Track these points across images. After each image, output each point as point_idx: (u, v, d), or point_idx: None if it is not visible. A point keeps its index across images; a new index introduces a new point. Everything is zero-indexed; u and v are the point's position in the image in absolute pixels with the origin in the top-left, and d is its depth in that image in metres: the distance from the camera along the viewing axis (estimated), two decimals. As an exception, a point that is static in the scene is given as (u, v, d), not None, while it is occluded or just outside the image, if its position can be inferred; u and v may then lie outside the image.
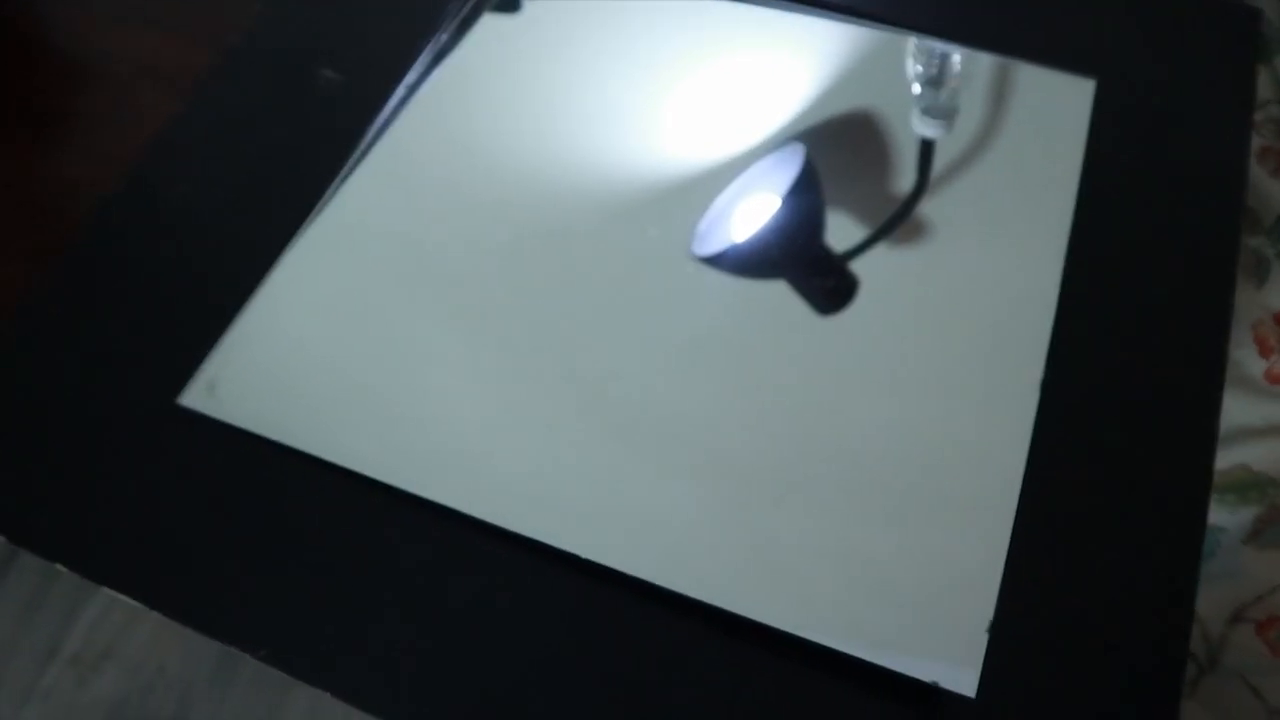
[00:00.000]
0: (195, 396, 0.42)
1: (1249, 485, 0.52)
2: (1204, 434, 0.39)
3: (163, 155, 0.50)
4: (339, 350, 0.43)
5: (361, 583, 0.38)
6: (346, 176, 0.47)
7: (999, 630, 0.35)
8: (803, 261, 0.45)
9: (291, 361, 0.43)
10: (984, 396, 0.40)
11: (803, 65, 0.50)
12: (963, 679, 0.34)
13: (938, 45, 0.50)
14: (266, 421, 0.41)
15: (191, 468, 0.41)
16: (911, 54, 0.49)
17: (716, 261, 0.44)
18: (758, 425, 0.40)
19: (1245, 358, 0.53)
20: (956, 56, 0.49)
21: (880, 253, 0.44)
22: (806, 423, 0.40)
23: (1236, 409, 0.52)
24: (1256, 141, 0.57)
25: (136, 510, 0.40)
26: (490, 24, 0.53)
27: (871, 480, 0.39)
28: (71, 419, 0.42)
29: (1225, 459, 0.52)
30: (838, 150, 0.47)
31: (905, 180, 0.46)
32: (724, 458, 0.39)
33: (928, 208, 0.45)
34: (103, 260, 0.47)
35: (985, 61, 0.49)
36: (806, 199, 0.46)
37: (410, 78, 0.50)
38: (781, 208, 0.46)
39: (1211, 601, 0.54)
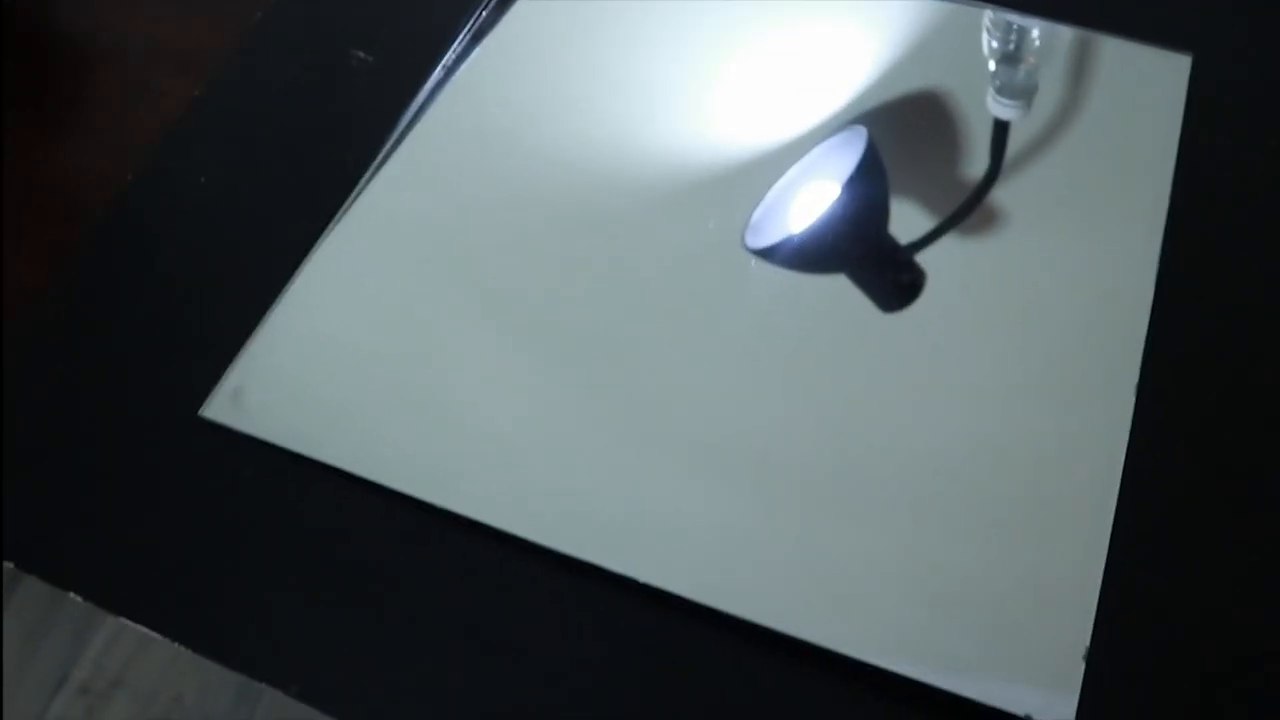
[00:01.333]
0: (219, 407, 0.40)
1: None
2: None
3: (181, 144, 0.48)
4: (372, 356, 0.42)
5: (398, 610, 0.36)
6: (379, 167, 0.46)
7: (1097, 656, 0.32)
8: (866, 254, 0.43)
9: (322, 368, 0.42)
10: (1070, 400, 0.38)
11: (866, 41, 0.48)
12: (1058, 709, 0.32)
13: (1015, 18, 0.46)
14: (296, 434, 0.39)
15: (215, 486, 0.39)
16: (986, 28, 0.46)
17: (772, 254, 0.42)
18: (818, 431, 0.38)
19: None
20: (1036, 30, 0.46)
21: (950, 244, 0.42)
22: (872, 429, 0.38)
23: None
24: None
25: (155, 533, 0.38)
26: (531, 2, 0.50)
27: (946, 491, 0.36)
28: (84, 433, 0.41)
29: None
30: (904, 133, 0.45)
31: (978, 166, 0.44)
32: (782, 467, 0.37)
33: (1002, 195, 0.43)
34: (118, 259, 0.45)
35: (1067, 36, 0.47)
36: (870, 186, 0.44)
37: (447, 59, 0.49)
38: (842, 196, 0.44)
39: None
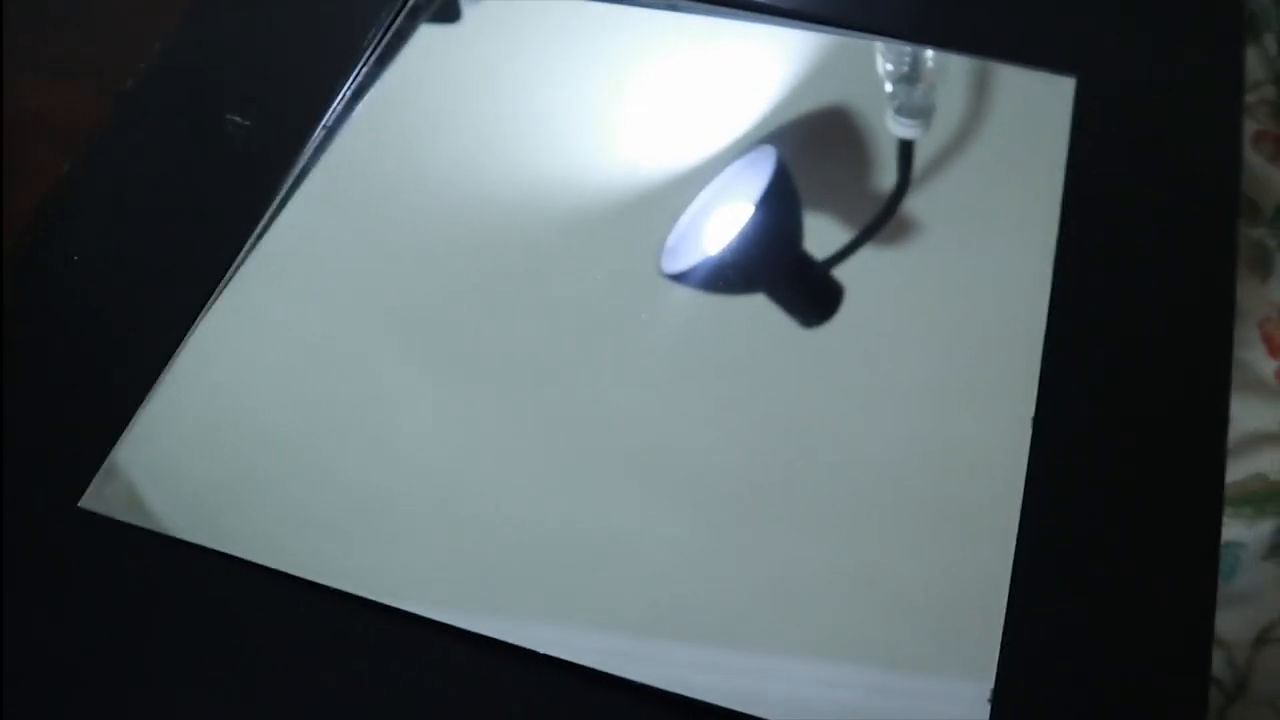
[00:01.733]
0: (99, 497, 0.38)
1: (1267, 496, 0.50)
2: (1212, 439, 0.38)
3: (51, 222, 0.46)
4: (269, 421, 0.40)
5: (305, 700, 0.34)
6: (264, 231, 0.45)
7: (1007, 663, 0.33)
8: (782, 271, 0.43)
9: (214, 443, 0.40)
10: (979, 403, 0.39)
11: (767, 70, 0.49)
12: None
13: (909, 45, 0.48)
14: (180, 519, 0.38)
15: (100, 582, 0.37)
16: (881, 52, 0.47)
17: (689, 278, 0.42)
18: (748, 449, 0.38)
19: (1254, 358, 0.51)
20: (929, 53, 0.48)
21: (864, 257, 0.43)
22: (800, 441, 0.38)
23: (1248, 414, 0.50)
24: (1251, 127, 0.56)
25: (41, 640, 0.36)
26: (428, 35, 0.50)
27: (873, 496, 0.37)
28: None
29: (1240, 469, 0.50)
30: (812, 152, 0.46)
31: (884, 181, 0.45)
32: (714, 487, 0.37)
33: (910, 208, 0.44)
34: None
35: (960, 60, 0.48)
36: (781, 205, 0.44)
37: (328, 119, 0.48)
38: (755, 215, 0.44)
39: (1235, 624, 0.51)
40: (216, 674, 0.35)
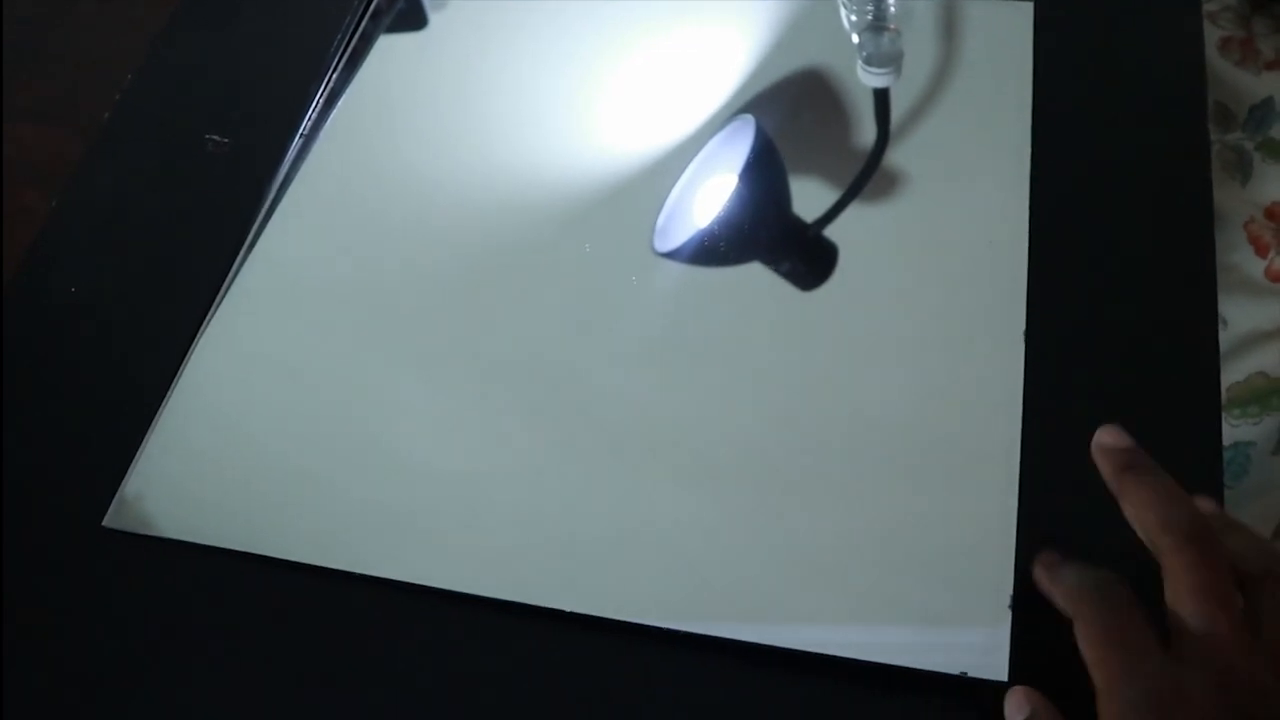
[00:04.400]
0: (121, 515, 0.40)
1: (1270, 392, 0.51)
2: (1205, 346, 0.38)
3: (47, 257, 0.47)
4: (277, 429, 0.41)
5: (348, 694, 0.36)
6: (253, 245, 0.46)
7: (1021, 602, 0.33)
8: (775, 238, 0.44)
9: (224, 453, 0.41)
10: (975, 343, 0.39)
11: (733, 39, 0.49)
12: (992, 664, 0.33)
13: (869, -9, 0.49)
14: (202, 528, 0.39)
15: (130, 595, 0.38)
16: (843, 4, 0.48)
17: (682, 254, 0.43)
18: (761, 418, 0.39)
19: (1243, 260, 0.53)
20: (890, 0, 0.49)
21: (854, 213, 0.43)
22: (813, 405, 0.39)
23: (1242, 315, 0.52)
24: (1216, 34, 0.57)
25: (77, 654, 0.37)
26: (396, 41, 0.51)
27: (886, 453, 0.37)
28: None
29: (1240, 369, 0.52)
30: (789, 115, 0.47)
31: (864, 134, 0.45)
32: (732, 458, 0.38)
33: (893, 158, 0.44)
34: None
35: (919, 2, 0.49)
36: (766, 172, 0.45)
37: (304, 126, 0.49)
38: (740, 185, 0.45)
39: (1253, 518, 0.53)
40: (245, 662, 0.37)
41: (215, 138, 0.49)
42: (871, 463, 0.37)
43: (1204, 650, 0.27)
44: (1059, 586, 0.30)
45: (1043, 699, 0.29)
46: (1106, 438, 0.32)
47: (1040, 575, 0.31)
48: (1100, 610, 0.29)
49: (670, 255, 0.43)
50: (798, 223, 0.43)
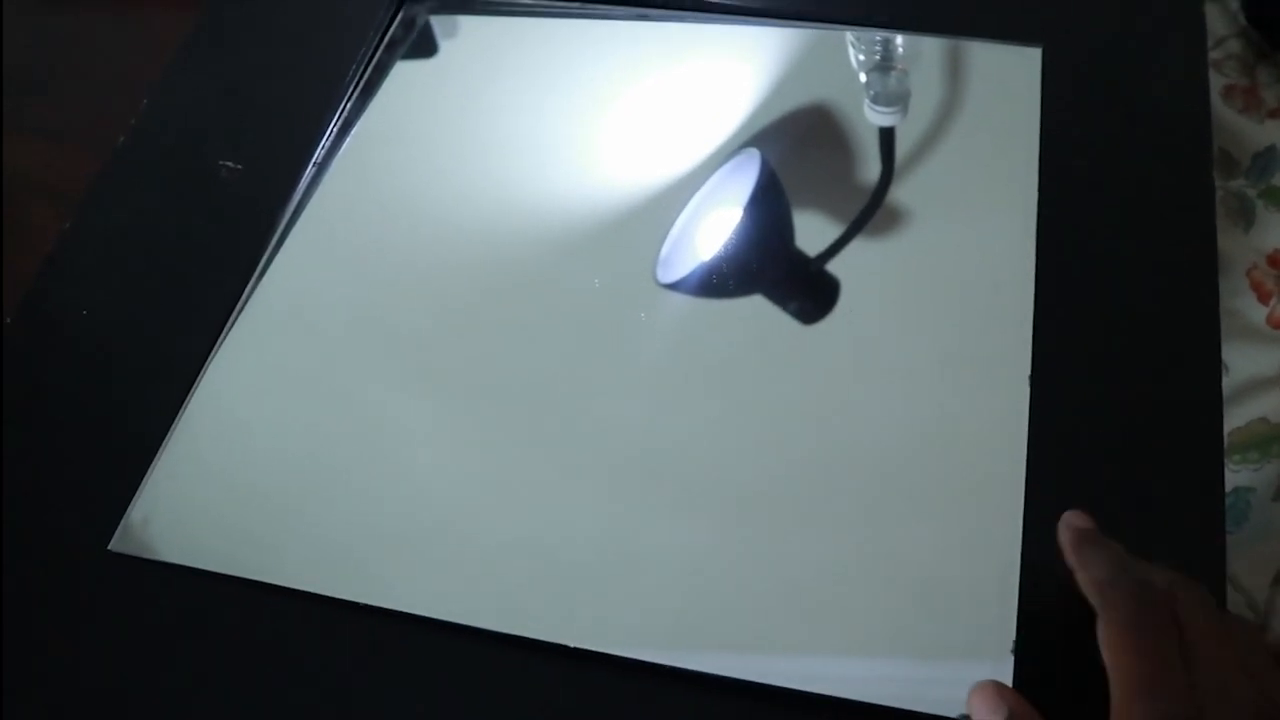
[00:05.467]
0: (127, 539, 0.40)
1: (1271, 439, 0.51)
2: (1207, 391, 0.38)
3: (58, 277, 0.47)
4: (285, 456, 0.41)
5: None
6: (264, 271, 0.46)
7: (1024, 636, 0.33)
8: (777, 271, 0.44)
9: (232, 480, 0.41)
10: (979, 380, 0.39)
11: (742, 72, 0.49)
12: None
13: (878, 31, 0.49)
14: (207, 553, 0.39)
15: (135, 619, 0.38)
16: (853, 43, 0.49)
17: (685, 286, 0.43)
18: (761, 448, 0.39)
19: (1244, 306, 0.52)
20: (899, 39, 0.49)
21: (856, 248, 0.43)
22: (813, 437, 0.39)
23: (1244, 361, 0.51)
24: (1220, 81, 0.57)
25: (81, 678, 0.37)
26: (405, 71, 0.51)
27: (885, 486, 0.37)
28: None
29: (1241, 414, 0.52)
30: (795, 150, 0.47)
31: (869, 171, 0.45)
32: (731, 488, 0.38)
33: (896, 195, 0.44)
34: (7, 403, 0.44)
35: (930, 42, 0.49)
36: (770, 205, 0.45)
37: (318, 155, 0.49)
38: (745, 218, 0.45)
39: (1253, 567, 0.52)
40: (243, 687, 0.36)
41: (229, 164, 0.49)
42: (873, 498, 0.37)
43: (1218, 681, 0.26)
44: (1088, 571, 0.29)
45: (1017, 697, 0.28)
46: (1074, 519, 0.32)
47: (1067, 545, 0.30)
48: (1130, 612, 0.27)
49: (673, 286, 0.43)
50: (801, 256, 0.43)
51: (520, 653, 0.35)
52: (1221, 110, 0.56)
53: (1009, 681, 0.32)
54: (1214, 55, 0.58)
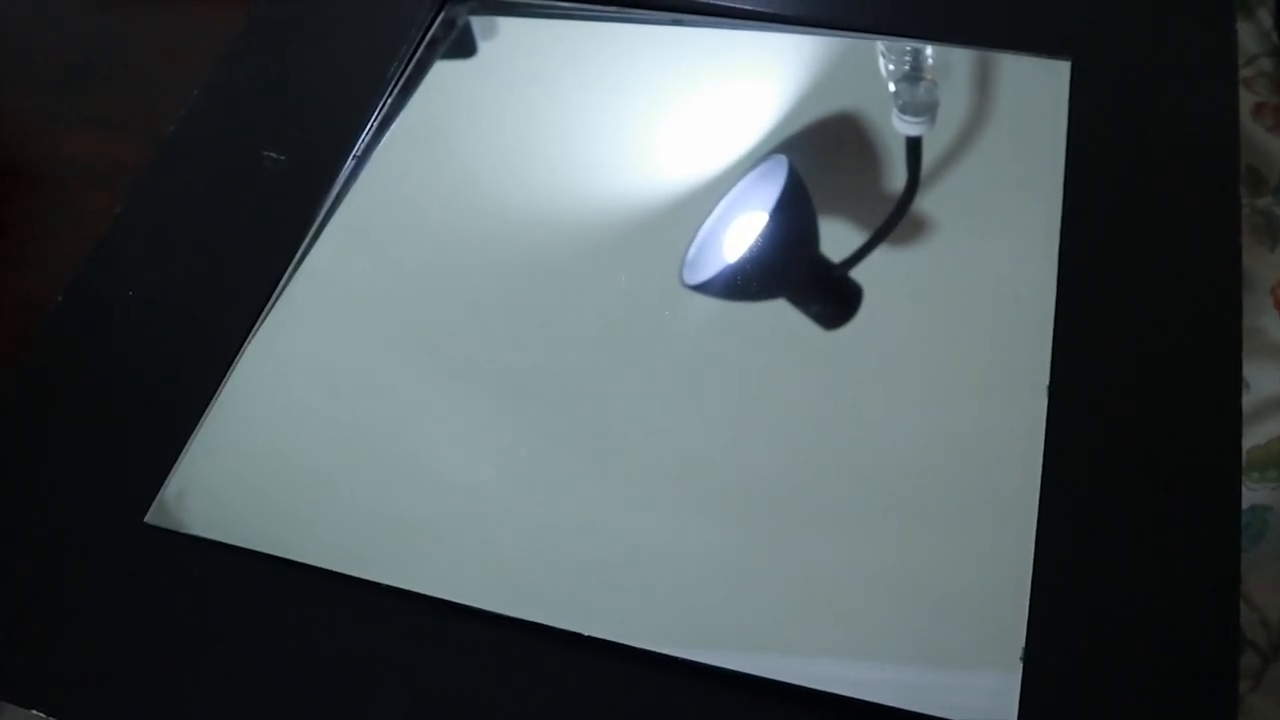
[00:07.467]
0: (163, 513, 0.40)
1: (1291, 457, 0.50)
2: (1227, 407, 0.38)
3: (106, 260, 0.48)
4: (317, 439, 0.42)
5: (382, 697, 0.36)
6: (302, 259, 0.46)
7: (1033, 653, 0.33)
8: (801, 276, 0.44)
9: (266, 459, 0.41)
10: (997, 391, 0.39)
11: (773, 80, 0.50)
12: (1001, 711, 0.32)
13: (908, 41, 0.49)
14: (243, 530, 0.39)
15: (168, 591, 0.39)
16: (883, 53, 0.48)
17: (710, 288, 0.44)
18: (782, 453, 0.39)
19: (1268, 324, 0.52)
20: (929, 50, 0.49)
21: (880, 257, 0.43)
22: (833, 443, 0.39)
23: (1265, 379, 0.51)
24: (1250, 99, 0.57)
25: (114, 648, 0.38)
26: (444, 71, 0.52)
27: (904, 495, 0.37)
28: (29, 553, 0.40)
29: (1261, 432, 0.51)
30: (822, 158, 0.47)
31: (895, 180, 0.46)
32: (751, 492, 0.38)
33: (921, 205, 0.45)
34: (54, 377, 0.45)
35: (960, 53, 0.49)
36: (796, 211, 0.45)
37: (358, 148, 0.50)
38: (770, 223, 0.45)
39: (1268, 586, 0.51)
40: (265, 661, 0.37)
41: (273, 155, 0.50)
42: (888, 503, 0.37)
43: None
44: None
45: None
46: None
47: None
48: None
49: (698, 288, 0.43)
50: (825, 263, 0.43)
51: (537, 639, 0.36)
52: (1250, 127, 0.55)
53: (1018, 689, 0.32)
54: (1244, 73, 0.57)
